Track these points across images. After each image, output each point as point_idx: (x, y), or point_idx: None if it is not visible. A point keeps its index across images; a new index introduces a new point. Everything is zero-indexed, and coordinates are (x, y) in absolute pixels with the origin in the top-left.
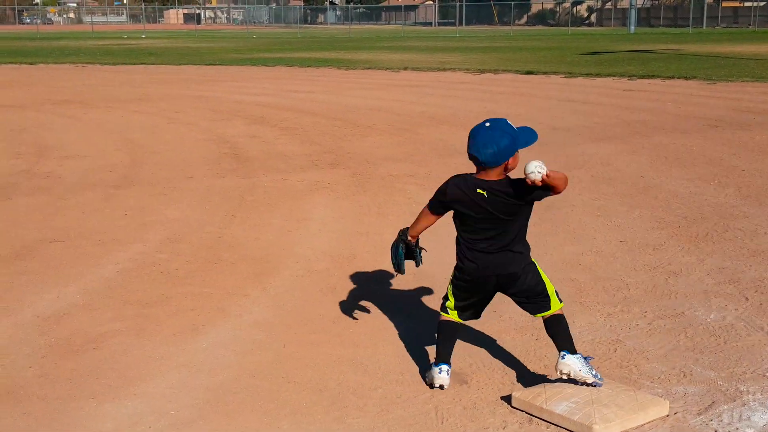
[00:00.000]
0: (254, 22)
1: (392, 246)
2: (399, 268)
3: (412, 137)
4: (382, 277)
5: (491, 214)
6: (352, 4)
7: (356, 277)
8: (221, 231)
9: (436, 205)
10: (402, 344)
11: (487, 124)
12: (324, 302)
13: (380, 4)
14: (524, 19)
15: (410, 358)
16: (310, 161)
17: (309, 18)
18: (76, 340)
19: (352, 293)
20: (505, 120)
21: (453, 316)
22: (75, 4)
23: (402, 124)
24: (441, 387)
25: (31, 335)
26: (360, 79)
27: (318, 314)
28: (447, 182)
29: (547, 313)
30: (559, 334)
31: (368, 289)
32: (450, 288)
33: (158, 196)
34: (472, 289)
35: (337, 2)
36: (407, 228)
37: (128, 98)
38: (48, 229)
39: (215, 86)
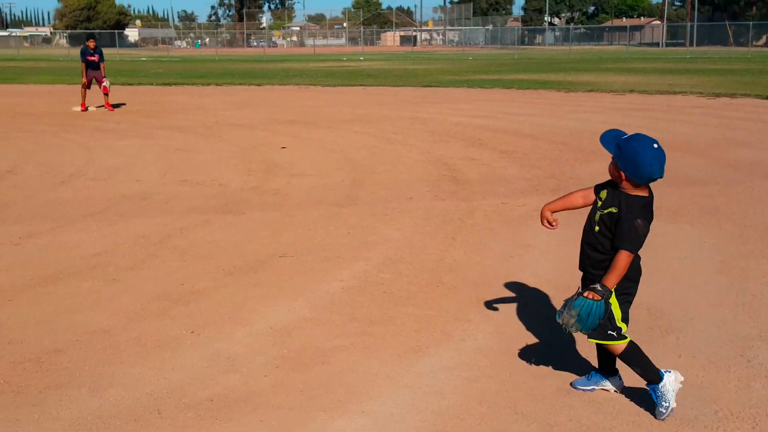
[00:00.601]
0: (470, 44)
1: (599, 307)
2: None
3: None
4: None
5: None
6: (572, 24)
7: None
8: (442, 253)
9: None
10: (634, 382)
11: (655, 145)
12: (550, 332)
13: (602, 25)
14: (763, 40)
15: (645, 397)
16: (531, 186)
17: (526, 39)
18: (307, 352)
19: None
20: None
21: (629, 338)
22: (298, 28)
23: None
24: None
25: (265, 345)
26: (582, 102)
27: (544, 344)
28: (641, 221)
29: None
30: None
31: None
32: (618, 314)
33: (379, 216)
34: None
35: (556, 23)
36: (604, 285)
37: (348, 119)
38: (277, 244)
39: (432, 108)
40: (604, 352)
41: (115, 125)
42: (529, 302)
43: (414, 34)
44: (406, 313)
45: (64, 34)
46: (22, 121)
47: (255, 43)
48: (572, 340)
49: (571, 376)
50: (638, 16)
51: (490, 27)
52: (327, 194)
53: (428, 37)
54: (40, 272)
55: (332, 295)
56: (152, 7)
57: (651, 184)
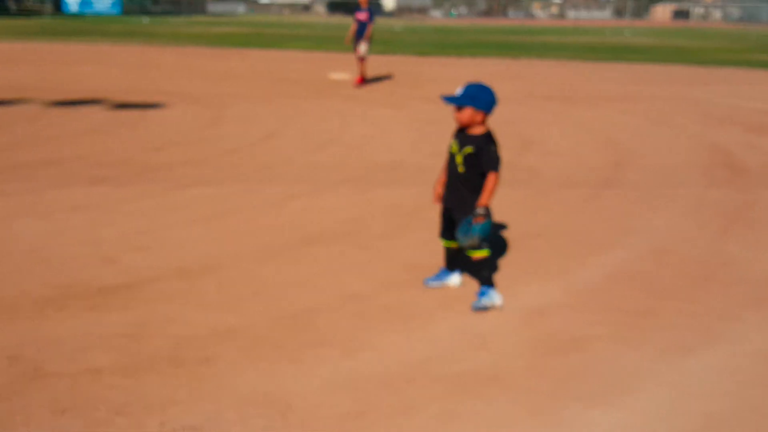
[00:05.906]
0: (752, 20)
1: (487, 225)
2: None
3: None
4: None
5: None
6: None
7: None
8: (713, 246)
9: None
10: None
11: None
12: None
13: None
14: None
15: None
16: None
17: None
18: (561, 337)
19: None
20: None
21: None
22: (559, 0)
23: None
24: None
25: (517, 326)
26: None
27: None
28: (494, 148)
29: None
30: None
31: None
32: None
33: (643, 202)
34: None
35: None
36: (482, 206)
37: (612, 97)
38: (531, 223)
39: (706, 88)
40: (452, 257)
41: (369, 94)
42: None
43: (688, 8)
44: (671, 308)
45: (323, 2)
46: (283, 87)
47: (512, 15)
48: None
49: None
50: None
51: None
52: (585, 175)
53: (704, 12)
54: (299, 234)
55: (589, 282)
56: None
57: None
